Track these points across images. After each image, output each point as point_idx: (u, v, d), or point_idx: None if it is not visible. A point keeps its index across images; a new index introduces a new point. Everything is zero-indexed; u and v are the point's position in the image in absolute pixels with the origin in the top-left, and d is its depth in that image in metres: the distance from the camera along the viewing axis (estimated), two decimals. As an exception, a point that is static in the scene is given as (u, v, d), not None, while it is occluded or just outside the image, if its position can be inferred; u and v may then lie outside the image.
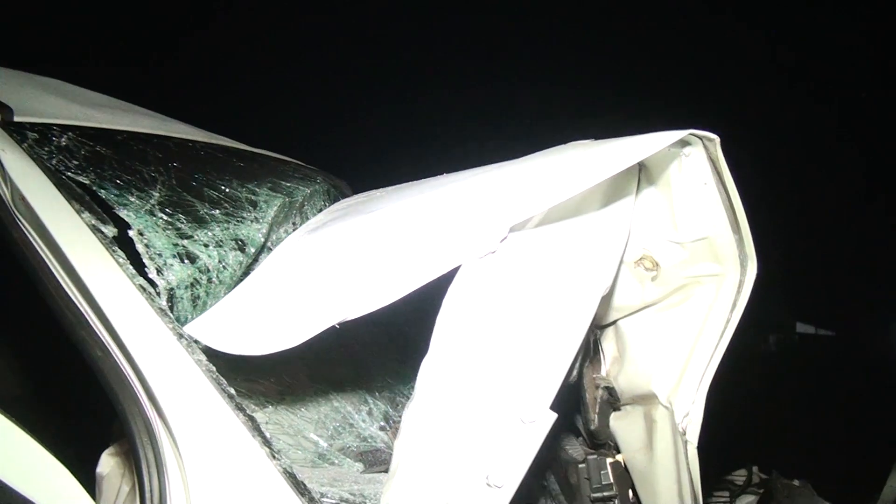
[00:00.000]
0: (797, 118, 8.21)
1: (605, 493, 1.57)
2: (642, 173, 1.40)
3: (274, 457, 1.19)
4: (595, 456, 1.59)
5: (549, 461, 1.79)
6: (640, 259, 1.43)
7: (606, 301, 1.52)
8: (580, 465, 1.59)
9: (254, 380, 1.71)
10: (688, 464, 1.38)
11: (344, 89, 7.96)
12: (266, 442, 1.21)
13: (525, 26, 8.02)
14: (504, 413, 1.21)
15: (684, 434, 1.38)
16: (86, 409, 1.55)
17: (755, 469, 2.31)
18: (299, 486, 1.18)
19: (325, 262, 1.41)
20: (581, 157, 1.27)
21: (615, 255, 1.35)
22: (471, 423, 1.20)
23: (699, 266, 1.39)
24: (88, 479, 1.55)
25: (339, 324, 1.19)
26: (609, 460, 1.59)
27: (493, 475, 1.20)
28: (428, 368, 1.15)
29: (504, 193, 1.30)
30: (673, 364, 1.43)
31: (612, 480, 1.58)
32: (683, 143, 1.28)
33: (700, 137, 1.24)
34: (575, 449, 1.64)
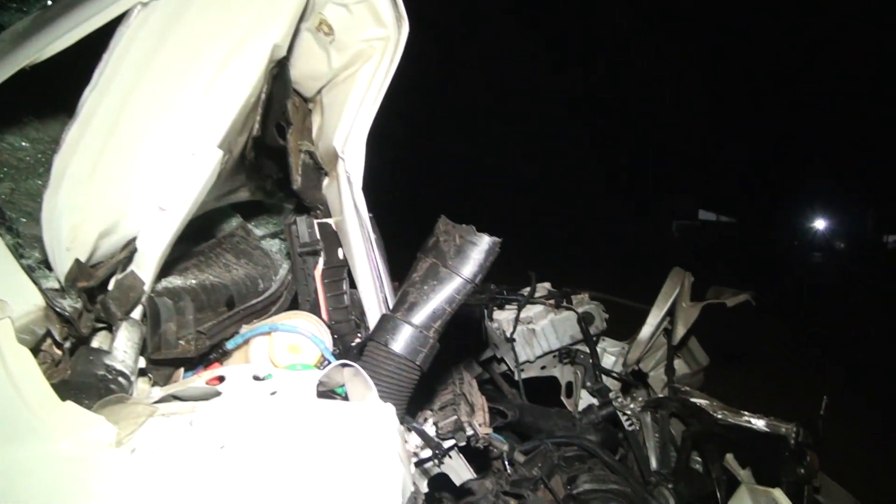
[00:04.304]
0: None
1: (312, 248, 1.75)
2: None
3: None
4: (304, 216, 1.77)
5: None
6: (319, 24, 1.56)
7: (305, 73, 1.66)
8: (291, 226, 1.77)
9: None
10: (355, 203, 1.57)
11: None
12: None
13: None
14: (173, 145, 1.37)
15: (349, 175, 1.56)
16: None
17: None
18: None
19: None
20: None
21: (287, 13, 1.47)
22: (138, 152, 1.35)
23: (367, 29, 1.54)
24: None
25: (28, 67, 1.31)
26: (316, 221, 1.77)
27: (163, 200, 1.37)
28: (91, 97, 1.27)
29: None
30: (347, 120, 1.59)
31: (318, 237, 1.76)
32: None
33: None
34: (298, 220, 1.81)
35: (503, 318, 3.01)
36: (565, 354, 3.03)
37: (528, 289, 3.06)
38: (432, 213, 1.43)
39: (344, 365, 1.30)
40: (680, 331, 2.84)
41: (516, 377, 2.96)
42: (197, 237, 1.92)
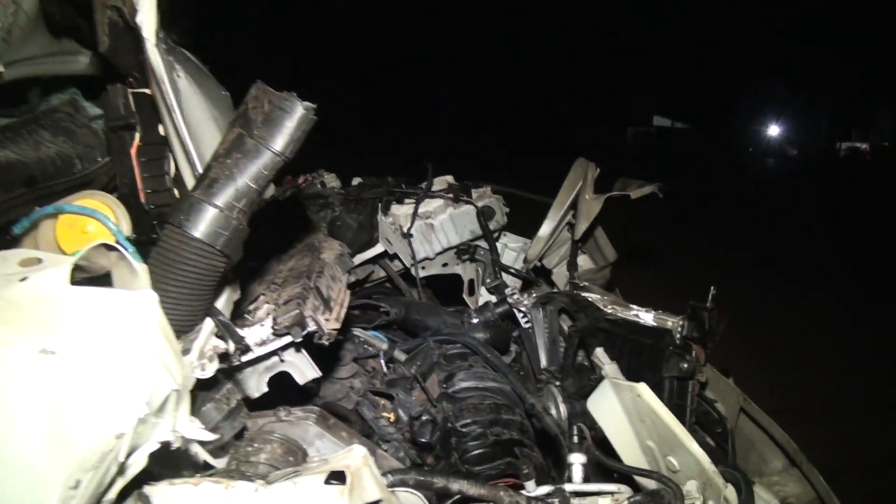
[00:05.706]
0: None
1: (125, 122, 1.53)
2: None
3: None
4: (117, 84, 1.54)
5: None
6: None
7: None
8: (104, 97, 1.54)
9: None
10: (151, 63, 1.35)
11: None
12: None
13: None
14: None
15: (141, 28, 1.34)
16: None
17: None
18: None
19: None
20: None
21: None
22: None
23: None
24: None
25: None
26: (131, 91, 1.54)
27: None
28: None
29: None
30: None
31: (133, 109, 1.54)
32: None
33: None
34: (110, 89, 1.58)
35: (401, 212, 2.83)
36: (465, 251, 2.88)
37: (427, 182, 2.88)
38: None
39: (108, 247, 1.12)
40: (582, 225, 2.67)
41: (413, 274, 2.83)
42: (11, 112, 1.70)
